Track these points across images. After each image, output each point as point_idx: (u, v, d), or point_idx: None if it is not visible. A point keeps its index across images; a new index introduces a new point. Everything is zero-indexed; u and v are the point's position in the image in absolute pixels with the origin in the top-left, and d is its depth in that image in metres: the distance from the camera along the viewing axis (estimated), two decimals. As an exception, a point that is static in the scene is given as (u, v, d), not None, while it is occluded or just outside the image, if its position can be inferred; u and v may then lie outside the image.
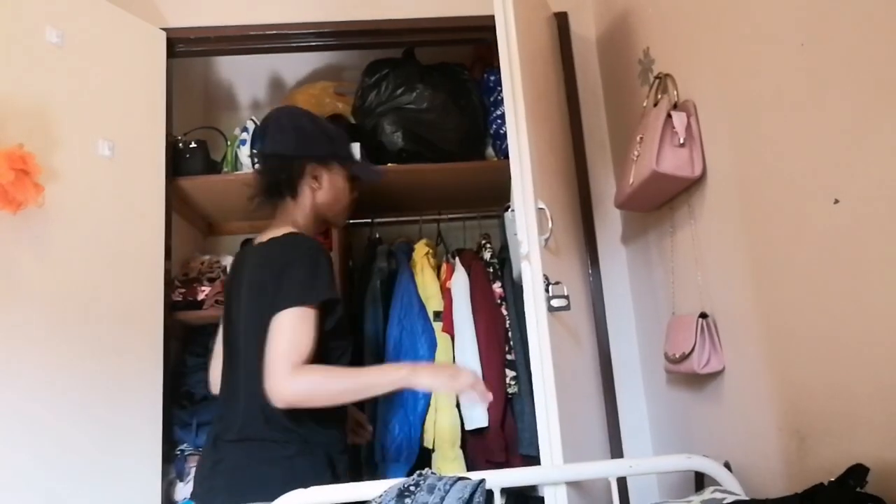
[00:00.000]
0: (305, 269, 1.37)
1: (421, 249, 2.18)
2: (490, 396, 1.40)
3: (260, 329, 1.34)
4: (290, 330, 1.30)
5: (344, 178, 1.59)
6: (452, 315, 2.02)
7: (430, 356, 1.98)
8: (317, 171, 1.54)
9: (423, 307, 2.05)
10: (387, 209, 2.51)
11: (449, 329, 2.01)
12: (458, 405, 1.95)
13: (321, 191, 1.55)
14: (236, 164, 2.22)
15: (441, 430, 1.91)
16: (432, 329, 2.02)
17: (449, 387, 1.41)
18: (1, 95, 1.58)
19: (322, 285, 1.36)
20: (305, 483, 1.22)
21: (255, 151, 1.54)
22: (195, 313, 2.09)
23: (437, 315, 2.04)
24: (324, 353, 1.36)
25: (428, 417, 1.94)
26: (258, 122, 2.24)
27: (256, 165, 1.52)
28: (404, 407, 1.92)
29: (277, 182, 1.53)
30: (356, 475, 1.95)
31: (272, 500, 1.19)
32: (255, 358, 1.35)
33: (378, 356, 2.02)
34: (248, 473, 1.33)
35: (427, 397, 1.95)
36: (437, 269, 2.18)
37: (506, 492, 1.42)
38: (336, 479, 1.37)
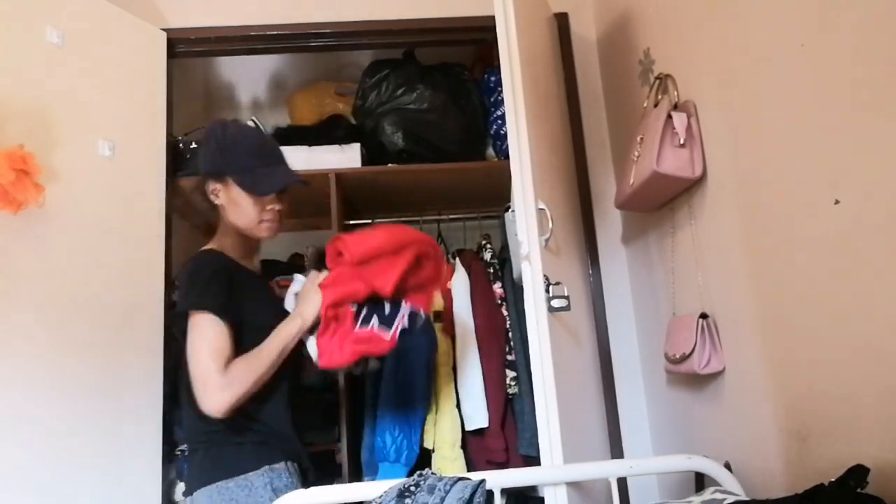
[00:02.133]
0: (191, 281, 1.46)
1: (422, 249, 2.18)
2: None
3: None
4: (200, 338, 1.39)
5: (240, 191, 1.51)
6: (452, 315, 2.02)
7: (431, 357, 1.98)
8: (213, 186, 1.54)
9: (423, 307, 2.05)
10: (387, 209, 2.51)
11: (449, 329, 2.01)
12: (458, 406, 1.95)
13: (225, 206, 1.54)
14: (236, 164, 2.22)
15: (441, 431, 1.91)
16: (433, 329, 2.02)
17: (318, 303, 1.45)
18: (1, 95, 1.58)
19: (206, 293, 1.42)
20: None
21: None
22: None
23: (438, 315, 2.04)
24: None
25: (428, 418, 1.94)
26: (259, 123, 2.24)
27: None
28: (404, 407, 1.92)
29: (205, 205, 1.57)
30: (356, 475, 1.95)
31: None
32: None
33: (378, 357, 2.02)
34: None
35: (427, 398, 1.95)
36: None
37: (506, 492, 1.42)
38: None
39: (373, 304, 1.45)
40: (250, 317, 1.47)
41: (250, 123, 2.24)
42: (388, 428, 1.88)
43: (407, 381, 1.95)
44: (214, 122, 1.63)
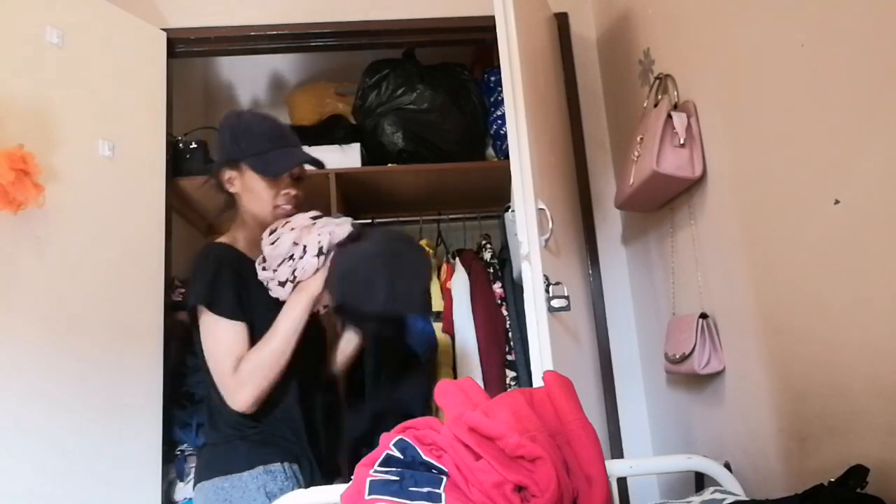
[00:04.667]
0: (196, 275, 1.42)
1: (421, 250, 2.18)
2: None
3: None
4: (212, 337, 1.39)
5: (253, 177, 1.50)
6: (452, 315, 2.02)
7: (431, 357, 1.98)
8: (229, 175, 1.53)
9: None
10: (387, 209, 2.51)
11: (449, 329, 2.01)
12: None
13: (240, 195, 1.53)
14: (236, 164, 2.22)
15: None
16: (432, 329, 2.02)
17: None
18: (1, 95, 1.58)
19: (213, 288, 1.41)
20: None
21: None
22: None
23: (437, 315, 2.04)
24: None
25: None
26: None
27: None
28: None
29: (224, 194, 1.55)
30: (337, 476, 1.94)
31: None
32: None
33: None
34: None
35: (427, 398, 1.95)
36: (437, 269, 2.18)
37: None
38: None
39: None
40: (257, 318, 1.42)
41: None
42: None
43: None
44: (230, 111, 1.62)
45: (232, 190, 1.54)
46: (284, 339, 1.38)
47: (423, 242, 2.22)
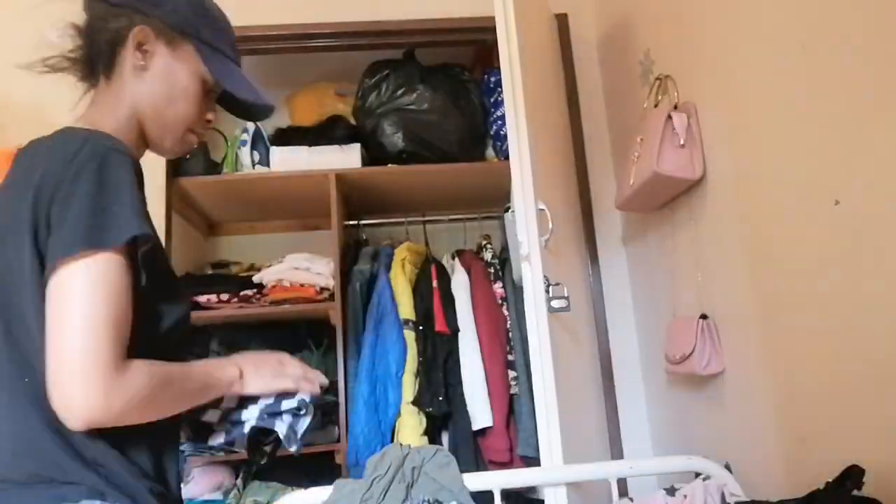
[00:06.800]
0: (90, 191, 0.82)
1: (400, 254, 2.11)
2: (315, 388, 1.06)
3: (28, 293, 0.81)
4: (83, 299, 0.77)
5: (195, 73, 1.04)
6: (454, 315, 2.01)
7: (400, 365, 1.94)
8: (147, 37, 0.99)
9: (398, 313, 2.00)
10: (387, 210, 2.51)
11: (443, 328, 1.99)
12: (415, 402, 1.91)
13: (146, 73, 1.00)
14: (237, 164, 2.22)
15: (405, 429, 1.87)
16: (404, 341, 1.97)
17: (276, 386, 1.04)
18: (1, 96, 1.58)
19: (121, 215, 0.83)
20: None
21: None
22: (196, 313, 2.08)
23: (407, 322, 2.00)
24: (147, 326, 0.86)
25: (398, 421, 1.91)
26: (258, 123, 2.24)
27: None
28: (377, 413, 1.91)
29: (92, 46, 1.04)
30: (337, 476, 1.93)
31: None
32: (17, 347, 0.83)
33: (356, 362, 1.98)
34: None
35: (396, 405, 1.92)
36: (421, 272, 2.13)
37: (505, 493, 1.42)
38: None
39: None
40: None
41: (251, 125, 2.24)
42: (363, 432, 1.86)
43: (380, 392, 1.93)
44: None
45: (138, 59, 1.00)
46: (197, 388, 0.94)
47: (404, 246, 2.14)
